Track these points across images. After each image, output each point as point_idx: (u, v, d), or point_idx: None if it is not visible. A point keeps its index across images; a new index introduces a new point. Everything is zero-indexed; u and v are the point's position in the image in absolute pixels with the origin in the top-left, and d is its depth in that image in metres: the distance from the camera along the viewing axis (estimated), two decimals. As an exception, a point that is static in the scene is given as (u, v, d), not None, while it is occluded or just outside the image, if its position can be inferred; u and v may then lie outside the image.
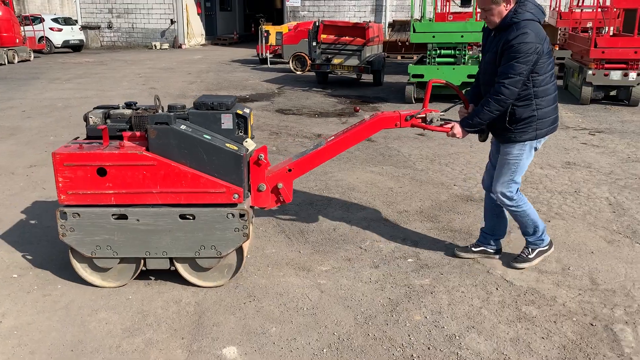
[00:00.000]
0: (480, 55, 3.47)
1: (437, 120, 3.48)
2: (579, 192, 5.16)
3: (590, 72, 9.28)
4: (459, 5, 16.20)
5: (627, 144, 6.88)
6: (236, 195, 3.14)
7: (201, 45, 26.78)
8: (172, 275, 3.46)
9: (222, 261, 3.34)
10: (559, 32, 13.83)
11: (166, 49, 24.94)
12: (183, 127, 3.10)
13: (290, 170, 3.47)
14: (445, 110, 3.61)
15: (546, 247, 3.68)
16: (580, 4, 12.70)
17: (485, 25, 3.46)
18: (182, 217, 3.17)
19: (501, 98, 3.19)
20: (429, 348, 2.83)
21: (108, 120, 3.31)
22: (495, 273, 3.60)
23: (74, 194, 3.09)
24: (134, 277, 3.39)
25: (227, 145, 3.14)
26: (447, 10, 14.93)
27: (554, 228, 4.30)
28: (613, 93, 9.60)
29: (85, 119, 3.29)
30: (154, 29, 25.94)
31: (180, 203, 3.14)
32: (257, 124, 8.47)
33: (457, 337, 2.92)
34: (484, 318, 3.09)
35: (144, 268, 3.34)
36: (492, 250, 3.80)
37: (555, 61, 13.01)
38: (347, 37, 12.08)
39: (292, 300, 3.27)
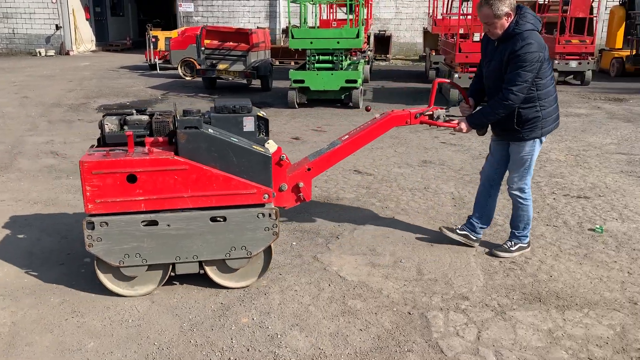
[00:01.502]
0: (481, 61, 3.92)
1: (443, 116, 3.82)
2: (428, 188, 5.47)
3: (457, 75, 9.88)
4: (345, 12, 16.70)
5: (481, 142, 7.38)
6: (266, 196, 3.26)
7: (91, 51, 25.51)
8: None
9: (251, 261, 3.38)
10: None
11: (52, 55, 23.51)
12: (211, 130, 3.17)
13: (309, 169, 3.67)
14: (449, 108, 3.97)
15: (526, 245, 3.95)
16: (449, 11, 13.50)
17: (484, 34, 3.73)
18: (213, 219, 3.21)
19: (509, 103, 3.50)
20: (248, 350, 2.87)
21: (126, 127, 3.26)
22: (331, 270, 3.72)
23: (102, 202, 3.05)
24: (162, 283, 3.36)
25: (254, 147, 3.26)
26: (334, 17, 15.33)
27: (396, 224, 4.53)
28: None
29: (101, 126, 3.24)
30: (37, 34, 24.35)
31: (211, 206, 3.18)
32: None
33: (279, 336, 2.97)
34: (310, 315, 3.18)
35: (172, 274, 3.34)
36: (474, 238, 4.06)
37: (432, 65, 13.75)
38: (231, 43, 12.02)
39: (118, 313, 3.18)
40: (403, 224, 4.53)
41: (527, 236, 3.98)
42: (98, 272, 3.25)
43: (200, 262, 3.33)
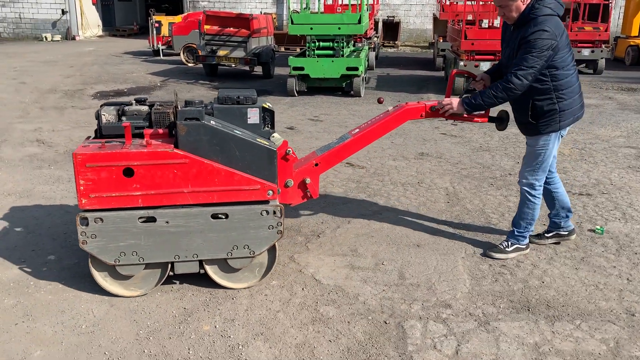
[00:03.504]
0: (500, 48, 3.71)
1: None
2: (422, 183, 5.20)
3: (462, 63, 9.54)
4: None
5: (483, 134, 7.08)
6: (270, 192, 3.09)
7: (98, 36, 25.35)
8: None
9: (253, 261, 3.22)
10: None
11: (58, 40, 23.37)
12: (213, 122, 3.01)
13: (317, 164, 3.47)
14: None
15: (524, 246, 3.71)
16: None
17: (504, 21, 3.51)
18: (214, 216, 3.06)
19: (510, 87, 3.26)
20: (205, 361, 2.65)
21: (123, 117, 3.11)
22: (307, 272, 3.48)
23: (96, 197, 2.89)
24: (160, 283, 3.19)
25: (259, 140, 3.09)
26: (339, 2, 14.95)
27: (383, 221, 4.27)
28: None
29: (98, 116, 3.09)
30: (44, 19, 24.19)
31: (212, 202, 3.03)
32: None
33: (240, 347, 2.75)
34: (278, 323, 2.95)
35: (171, 273, 3.17)
36: (565, 233, 3.86)
37: (439, 53, 13.36)
38: (231, 28, 11.74)
39: (73, 318, 2.98)
40: (390, 221, 4.28)
41: (526, 237, 3.72)
42: (93, 270, 3.10)
43: (201, 261, 3.18)
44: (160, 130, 3.08)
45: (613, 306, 3.12)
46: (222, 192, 3.02)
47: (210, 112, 3.10)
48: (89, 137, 3.15)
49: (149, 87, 11.23)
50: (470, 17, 11.21)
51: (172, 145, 2.95)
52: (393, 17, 20.04)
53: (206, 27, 11.81)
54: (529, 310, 3.09)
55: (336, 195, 4.89)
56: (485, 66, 9.50)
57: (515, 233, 3.69)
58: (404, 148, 6.42)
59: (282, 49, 18.23)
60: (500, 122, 3.61)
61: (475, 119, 3.60)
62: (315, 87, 10.32)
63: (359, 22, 9.49)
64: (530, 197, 3.59)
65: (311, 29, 9.65)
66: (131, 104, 3.19)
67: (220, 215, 3.07)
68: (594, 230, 4.11)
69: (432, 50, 17.18)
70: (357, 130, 3.63)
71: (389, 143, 6.62)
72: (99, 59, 15.99)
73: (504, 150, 6.36)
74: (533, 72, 3.22)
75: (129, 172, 2.88)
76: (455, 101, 3.46)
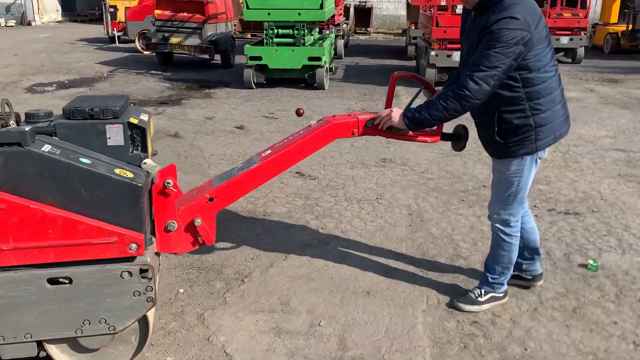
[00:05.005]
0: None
1: None
2: (381, 198, 4.37)
3: (433, 53, 8.71)
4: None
5: (455, 134, 6.28)
6: (134, 246, 2.22)
7: (56, 22, 23.93)
8: None
9: (120, 336, 2.36)
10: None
11: (12, 26, 21.92)
12: (47, 147, 2.15)
13: (211, 199, 2.49)
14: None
15: (501, 295, 2.94)
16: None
17: (463, 7, 2.71)
18: (53, 282, 2.21)
19: (465, 94, 2.40)
20: None
21: None
22: (216, 341, 2.63)
23: None
24: None
25: (118, 171, 2.22)
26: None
27: (329, 254, 3.44)
28: (458, 75, 9.15)
29: None
30: (-4, 3, 22.68)
31: (48, 262, 2.18)
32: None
33: None
34: None
35: None
36: (529, 277, 3.09)
37: (411, 40, 12.52)
38: (184, 13, 10.73)
39: None
40: (337, 256, 3.44)
41: (503, 284, 2.92)
42: None
43: (41, 341, 2.29)
44: None
45: (619, 389, 2.35)
46: (62, 247, 2.14)
47: (51, 131, 2.20)
48: None
49: (93, 78, 10.20)
50: (442, 3, 10.41)
51: None
52: (365, 2, 19.14)
53: (157, 12, 10.80)
54: (508, 397, 2.29)
55: (277, 217, 4.04)
56: (457, 56, 8.68)
57: (490, 279, 2.89)
58: (364, 152, 5.59)
59: (249, 36, 17.19)
60: (457, 140, 2.78)
61: (425, 138, 2.73)
62: (275, 79, 9.41)
63: (321, 7, 8.59)
64: (504, 236, 2.78)
65: (269, 14, 8.72)
66: None
67: (61, 280, 2.19)
68: (586, 266, 3.34)
69: (405, 38, 16.35)
70: (269, 152, 2.68)
71: (348, 146, 5.79)
72: (50, 47, 14.82)
73: (477, 155, 5.57)
74: (497, 74, 2.38)
75: None
76: (396, 113, 2.57)
